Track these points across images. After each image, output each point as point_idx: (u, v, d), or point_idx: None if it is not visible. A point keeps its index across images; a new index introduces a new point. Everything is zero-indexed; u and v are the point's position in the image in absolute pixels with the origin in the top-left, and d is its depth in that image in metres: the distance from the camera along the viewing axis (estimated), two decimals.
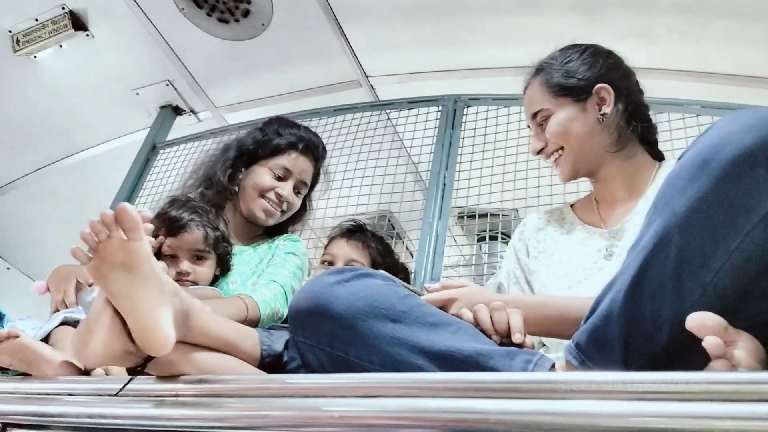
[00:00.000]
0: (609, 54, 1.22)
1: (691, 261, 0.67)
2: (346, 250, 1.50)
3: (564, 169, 1.20)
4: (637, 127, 1.17)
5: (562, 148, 1.18)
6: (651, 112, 1.78)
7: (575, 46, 1.23)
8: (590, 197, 1.26)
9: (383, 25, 2.40)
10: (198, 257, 1.39)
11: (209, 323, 0.93)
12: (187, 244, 1.38)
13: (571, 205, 1.28)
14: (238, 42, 2.54)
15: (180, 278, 1.37)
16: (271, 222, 1.58)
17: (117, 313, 0.79)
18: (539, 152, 1.22)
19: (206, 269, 1.40)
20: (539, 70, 1.23)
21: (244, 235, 1.60)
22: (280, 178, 1.56)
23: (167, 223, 1.39)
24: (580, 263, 1.11)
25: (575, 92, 1.16)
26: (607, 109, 1.15)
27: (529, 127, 1.25)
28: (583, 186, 1.44)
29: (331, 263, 1.50)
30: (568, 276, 1.10)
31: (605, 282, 1.02)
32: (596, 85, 1.15)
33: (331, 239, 1.58)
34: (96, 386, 0.86)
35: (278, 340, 0.97)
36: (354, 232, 1.56)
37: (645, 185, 1.15)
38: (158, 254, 1.39)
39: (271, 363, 0.95)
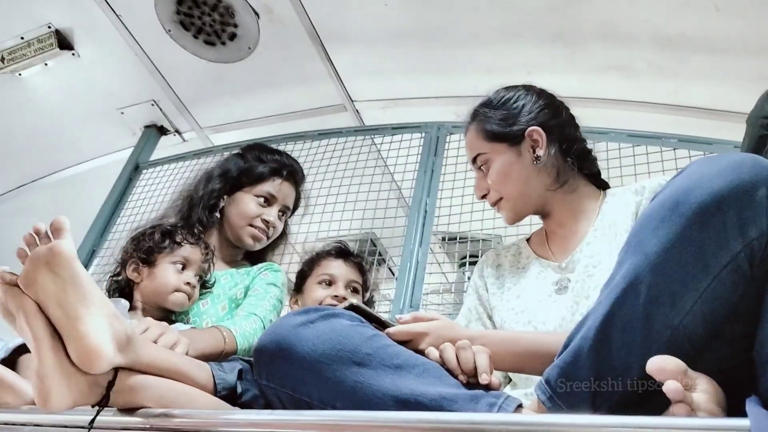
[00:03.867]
0: (540, 94, 1.23)
1: (660, 302, 0.67)
2: (345, 271, 1.51)
3: (507, 215, 1.22)
4: (575, 162, 1.19)
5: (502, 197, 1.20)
6: (629, 144, 1.82)
7: (507, 89, 1.25)
8: (542, 230, 1.27)
9: (369, 50, 2.42)
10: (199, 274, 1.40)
11: (159, 352, 0.90)
12: (197, 255, 1.39)
13: (528, 239, 1.30)
14: (224, 64, 2.55)
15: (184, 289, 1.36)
16: (258, 247, 1.60)
17: (59, 341, 0.75)
18: (483, 197, 1.24)
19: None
20: (474, 116, 1.25)
21: (224, 259, 1.60)
22: (264, 204, 1.58)
23: (168, 235, 1.39)
24: (536, 297, 1.12)
25: (508, 138, 1.18)
26: (540, 151, 1.17)
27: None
28: None
29: (330, 283, 1.50)
30: (527, 311, 1.11)
31: (558, 316, 1.04)
32: (528, 128, 1.17)
33: (322, 259, 1.57)
34: (64, 418, 0.83)
35: (231, 373, 0.95)
36: (348, 253, 1.57)
37: (592, 215, 1.17)
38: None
39: (225, 396, 0.93)
